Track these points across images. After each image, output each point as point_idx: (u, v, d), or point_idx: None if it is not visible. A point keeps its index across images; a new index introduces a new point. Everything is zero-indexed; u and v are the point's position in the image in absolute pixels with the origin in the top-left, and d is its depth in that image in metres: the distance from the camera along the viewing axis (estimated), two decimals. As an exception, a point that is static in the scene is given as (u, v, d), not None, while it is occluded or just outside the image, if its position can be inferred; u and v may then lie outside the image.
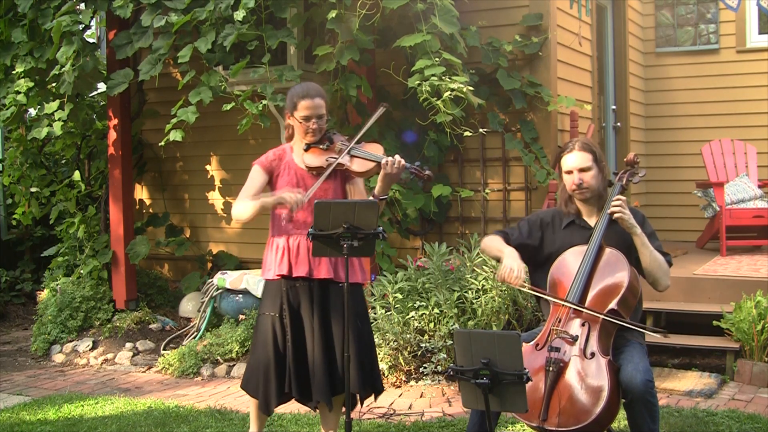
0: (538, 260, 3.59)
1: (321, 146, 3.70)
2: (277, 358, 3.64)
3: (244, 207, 3.62)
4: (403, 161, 3.58)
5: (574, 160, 3.49)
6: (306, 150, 3.70)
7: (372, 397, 3.81)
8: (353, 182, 3.80)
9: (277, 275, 3.65)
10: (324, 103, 3.69)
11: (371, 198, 3.61)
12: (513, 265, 3.39)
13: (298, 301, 3.66)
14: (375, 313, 5.40)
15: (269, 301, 3.69)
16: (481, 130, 6.05)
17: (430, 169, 6.54)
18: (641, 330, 3.39)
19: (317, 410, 3.84)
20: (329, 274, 3.63)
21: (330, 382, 3.62)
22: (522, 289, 3.43)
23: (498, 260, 3.54)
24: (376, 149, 3.70)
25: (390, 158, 3.57)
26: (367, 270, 3.82)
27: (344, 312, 3.39)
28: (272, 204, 3.59)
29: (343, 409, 3.46)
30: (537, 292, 3.49)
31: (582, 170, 3.47)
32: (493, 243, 3.57)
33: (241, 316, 6.20)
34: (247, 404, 4.91)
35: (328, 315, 3.65)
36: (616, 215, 3.40)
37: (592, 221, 3.53)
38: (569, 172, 3.50)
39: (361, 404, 3.82)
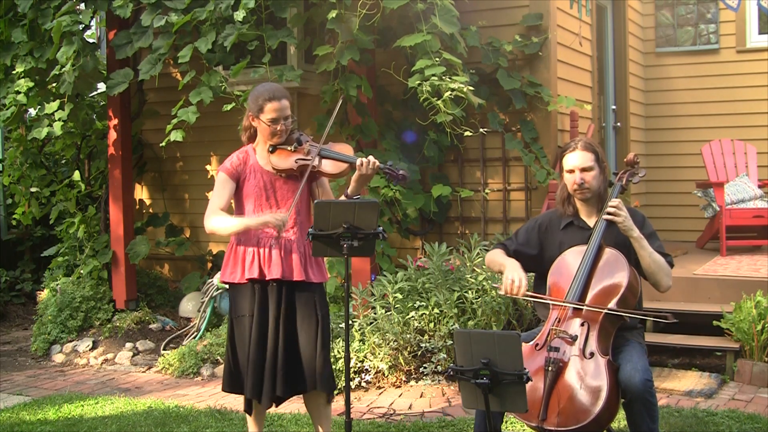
0: (541, 265, 3.59)
1: (288, 147, 3.63)
2: (255, 358, 3.63)
3: (224, 224, 3.59)
4: (377, 161, 3.56)
5: (576, 159, 3.48)
6: (272, 152, 3.64)
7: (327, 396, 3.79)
8: (319, 183, 3.77)
9: (246, 279, 3.62)
10: (289, 104, 3.66)
11: (351, 198, 3.61)
12: (514, 276, 3.38)
13: (266, 302, 3.64)
14: (375, 313, 5.40)
15: (245, 303, 3.66)
16: (481, 130, 6.06)
17: (431, 168, 6.58)
18: (645, 318, 3.39)
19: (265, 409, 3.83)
20: (301, 276, 3.62)
21: (289, 381, 3.61)
22: (526, 298, 3.41)
23: (501, 273, 3.55)
24: (346, 149, 3.67)
25: (365, 159, 3.55)
26: (325, 268, 3.81)
27: (346, 313, 3.38)
28: (256, 227, 3.58)
29: (337, 408, 3.45)
30: (539, 298, 3.46)
31: (584, 170, 3.47)
32: (495, 257, 3.57)
33: (241, 316, 6.19)
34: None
35: (293, 316, 3.65)
36: (611, 218, 3.40)
37: (591, 221, 3.53)
38: (571, 171, 3.50)
39: (328, 402, 3.78)
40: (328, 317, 3.75)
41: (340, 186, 5.41)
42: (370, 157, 3.57)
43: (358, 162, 3.54)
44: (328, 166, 3.61)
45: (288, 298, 3.64)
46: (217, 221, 3.60)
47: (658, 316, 3.39)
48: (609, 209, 3.41)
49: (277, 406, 3.87)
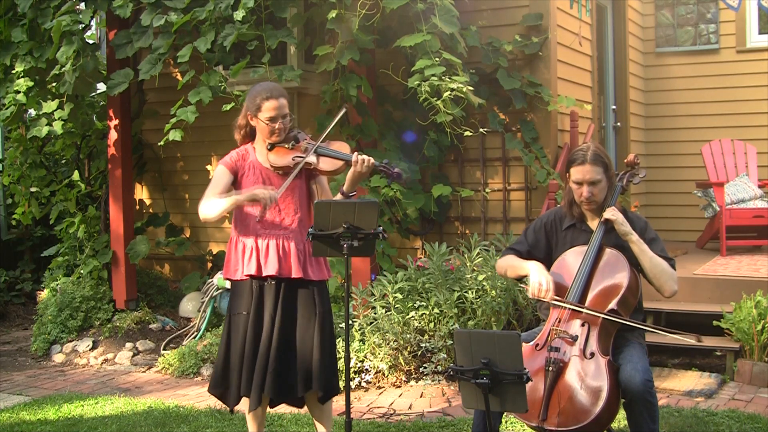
0: (546, 265, 3.59)
1: (286, 145, 3.67)
2: (255, 356, 3.62)
3: (213, 204, 3.57)
4: (372, 159, 3.58)
5: (585, 173, 3.42)
6: (270, 149, 3.67)
7: (333, 396, 3.77)
8: (318, 181, 3.79)
9: (246, 275, 3.63)
10: (287, 102, 3.67)
11: (342, 196, 3.62)
12: (542, 279, 3.36)
13: (263, 300, 3.64)
14: (375, 313, 5.40)
15: (242, 301, 3.66)
16: (481, 130, 6.05)
17: (431, 168, 6.58)
18: (638, 328, 3.38)
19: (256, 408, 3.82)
20: (299, 274, 3.62)
21: (283, 381, 3.60)
22: (553, 302, 3.37)
23: (519, 279, 3.54)
24: (342, 147, 3.69)
25: (361, 156, 3.56)
26: (328, 266, 3.80)
27: (346, 313, 3.38)
28: (244, 200, 3.56)
29: (337, 408, 3.45)
30: (563, 302, 3.36)
31: (592, 184, 3.43)
32: (512, 262, 3.55)
33: (241, 316, 6.19)
34: (247, 404, 4.91)
35: (292, 314, 3.64)
36: (610, 216, 3.40)
37: (593, 224, 3.52)
38: (578, 183, 3.46)
39: (322, 402, 3.75)
40: (330, 315, 3.74)
41: (340, 185, 5.41)
42: (364, 155, 3.58)
43: (353, 158, 3.56)
44: (324, 163, 3.64)
45: (286, 296, 3.64)
46: (208, 205, 3.59)
47: (683, 334, 3.30)
48: (606, 215, 3.41)
49: (272, 407, 3.86)
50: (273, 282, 3.63)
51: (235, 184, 3.70)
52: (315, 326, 3.64)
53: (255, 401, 3.64)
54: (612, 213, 3.41)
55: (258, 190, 3.52)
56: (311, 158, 3.62)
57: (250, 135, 3.77)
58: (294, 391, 3.64)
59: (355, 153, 3.62)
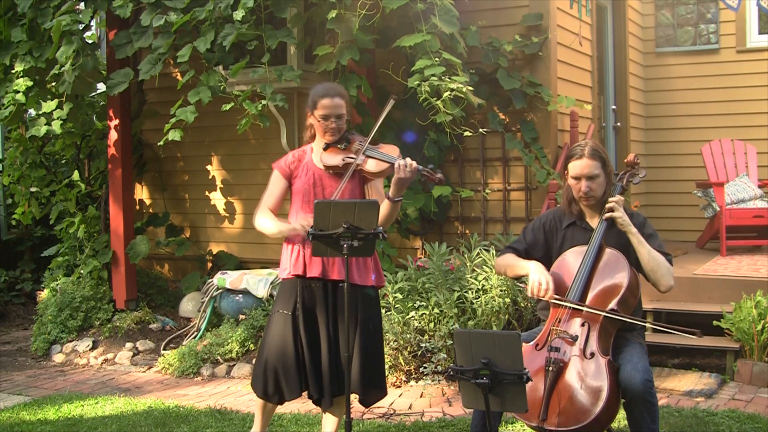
0: (545, 264, 3.59)
1: (339, 146, 3.72)
2: (290, 354, 3.64)
3: (267, 226, 3.70)
4: (414, 164, 3.56)
5: (583, 167, 3.44)
6: (325, 149, 3.72)
7: (376, 401, 3.78)
8: (372, 184, 3.80)
9: (292, 275, 3.68)
10: (344, 103, 3.70)
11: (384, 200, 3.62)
12: (541, 279, 3.37)
13: (313, 302, 3.67)
14: (375, 313, 5.40)
15: (283, 300, 3.71)
16: (481, 130, 6.05)
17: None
18: (639, 325, 3.38)
19: (324, 410, 3.84)
20: (341, 275, 3.63)
21: (338, 382, 3.63)
22: (553, 301, 3.37)
23: (518, 278, 3.55)
24: (391, 150, 3.70)
25: (402, 161, 3.55)
26: (380, 272, 3.81)
27: (347, 313, 3.38)
28: (287, 233, 3.66)
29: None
30: (563, 301, 3.37)
31: (590, 178, 3.44)
32: (511, 261, 3.55)
33: (242, 316, 6.20)
34: (247, 404, 4.92)
35: (336, 317, 3.66)
36: (611, 214, 3.40)
37: (594, 222, 3.52)
38: (577, 179, 3.47)
39: (365, 406, 3.79)
40: (374, 320, 3.72)
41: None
42: (408, 159, 3.56)
43: (396, 164, 3.55)
44: (371, 165, 3.65)
45: (333, 298, 3.66)
46: (261, 222, 3.73)
47: (686, 331, 3.28)
48: (609, 204, 3.41)
49: (330, 407, 3.83)
50: (319, 284, 3.66)
51: (290, 186, 3.78)
52: (357, 330, 3.63)
53: (327, 402, 3.66)
54: (614, 203, 3.40)
55: (296, 224, 3.60)
56: (360, 159, 3.64)
57: (315, 135, 3.83)
58: (338, 391, 3.64)
59: (398, 158, 3.61)
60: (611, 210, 3.41)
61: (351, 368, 3.55)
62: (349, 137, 3.73)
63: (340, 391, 3.64)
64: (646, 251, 3.39)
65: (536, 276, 3.38)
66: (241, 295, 6.21)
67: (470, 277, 5.41)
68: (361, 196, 3.77)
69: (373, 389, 3.71)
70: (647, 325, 3.35)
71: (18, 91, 6.48)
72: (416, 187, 6.29)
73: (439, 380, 5.20)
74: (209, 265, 7.39)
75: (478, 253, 5.55)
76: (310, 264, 3.65)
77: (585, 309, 3.30)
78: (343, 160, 3.66)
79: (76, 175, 7.52)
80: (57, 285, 6.95)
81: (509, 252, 3.61)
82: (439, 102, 5.36)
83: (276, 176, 3.78)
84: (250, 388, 3.87)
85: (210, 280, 6.47)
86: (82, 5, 6.27)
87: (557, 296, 3.36)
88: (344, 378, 3.55)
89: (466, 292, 5.36)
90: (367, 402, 3.74)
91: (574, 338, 3.25)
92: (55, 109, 6.59)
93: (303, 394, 3.72)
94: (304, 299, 3.67)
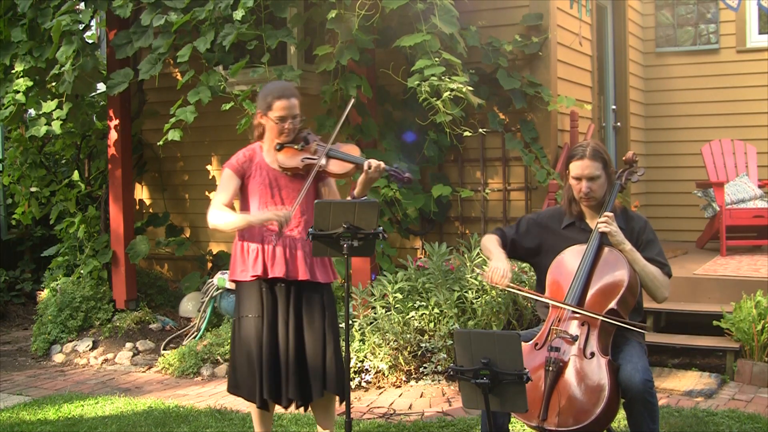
0: (536, 259, 3.59)
1: (295, 146, 3.65)
2: (266, 359, 3.62)
3: (226, 220, 3.59)
4: (382, 164, 3.55)
5: (584, 168, 3.43)
6: (279, 150, 3.66)
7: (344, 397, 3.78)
8: (326, 183, 3.78)
9: (253, 276, 3.62)
10: (298, 103, 3.65)
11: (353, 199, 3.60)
12: (498, 266, 3.39)
13: (275, 303, 3.64)
14: (375, 313, 5.40)
15: (250, 303, 3.64)
16: (481, 130, 6.05)
17: (431, 168, 6.58)
18: (638, 330, 3.37)
19: (305, 410, 3.83)
20: (306, 276, 3.61)
21: (303, 382, 3.61)
22: (507, 289, 3.40)
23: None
24: (352, 150, 3.67)
25: (371, 161, 3.54)
26: (334, 268, 3.80)
27: (346, 313, 3.38)
28: (258, 222, 3.57)
29: (337, 408, 3.44)
30: (526, 292, 3.45)
31: (590, 179, 3.44)
32: (487, 244, 3.57)
33: (241, 316, 6.19)
34: (247, 404, 4.90)
35: (302, 316, 3.64)
36: (602, 229, 3.39)
37: (593, 224, 3.52)
38: (577, 179, 3.46)
39: (340, 403, 3.76)
40: (336, 318, 3.73)
41: (340, 186, 5.41)
42: (373, 160, 3.56)
43: (365, 165, 3.54)
44: (334, 166, 3.62)
45: (296, 298, 3.64)
46: (220, 216, 3.60)
47: (638, 326, 3.33)
48: (599, 222, 3.41)
49: (288, 408, 3.84)
50: (283, 285, 3.62)
51: (242, 186, 3.69)
52: (325, 329, 3.63)
53: (285, 404, 3.65)
54: (606, 224, 3.39)
55: (271, 214, 3.53)
56: (322, 160, 3.60)
57: (264, 134, 3.76)
58: (309, 394, 3.64)
59: (363, 157, 3.60)
60: (603, 227, 3.39)
61: (329, 368, 3.58)
62: (306, 137, 3.66)
63: (308, 391, 3.61)
64: (640, 268, 3.38)
65: (494, 263, 3.41)
66: (241, 295, 6.20)
67: (470, 277, 5.41)
68: (314, 195, 3.73)
69: (342, 386, 3.69)
70: (641, 331, 3.35)
71: (18, 91, 6.47)
72: (416, 187, 6.29)
73: (439, 380, 5.20)
74: (209, 265, 7.38)
75: (478, 253, 5.55)
76: (272, 265, 3.59)
77: (582, 313, 3.29)
78: (303, 161, 3.60)
79: (76, 175, 7.52)
80: (57, 285, 6.95)
81: (496, 235, 3.61)
82: (439, 102, 5.36)
83: (228, 175, 3.68)
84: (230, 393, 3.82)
85: (210, 280, 6.47)
86: (82, 5, 6.27)
87: (513, 285, 3.38)
88: (313, 381, 3.57)
89: (466, 292, 5.36)
90: (341, 399, 3.71)
91: (574, 338, 3.25)
92: (55, 109, 6.59)
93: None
94: (270, 302, 3.62)
